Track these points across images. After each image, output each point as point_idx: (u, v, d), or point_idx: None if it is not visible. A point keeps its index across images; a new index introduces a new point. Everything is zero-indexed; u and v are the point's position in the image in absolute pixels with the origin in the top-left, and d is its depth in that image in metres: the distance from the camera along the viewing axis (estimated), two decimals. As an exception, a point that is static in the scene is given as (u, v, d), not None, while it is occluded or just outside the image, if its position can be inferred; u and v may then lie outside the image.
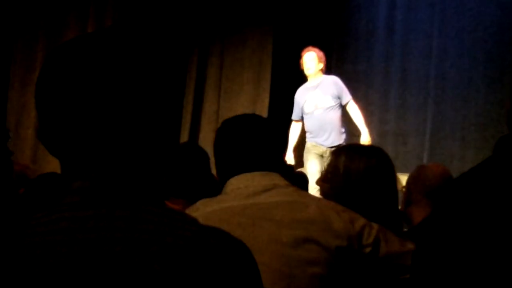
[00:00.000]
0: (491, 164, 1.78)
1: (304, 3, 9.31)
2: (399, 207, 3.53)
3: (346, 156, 2.95)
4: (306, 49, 7.73)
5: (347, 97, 7.62)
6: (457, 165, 8.64)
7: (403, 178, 3.80)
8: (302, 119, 7.75)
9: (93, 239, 1.12)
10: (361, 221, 2.30)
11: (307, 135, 7.69)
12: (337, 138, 7.53)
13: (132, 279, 1.10)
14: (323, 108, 7.54)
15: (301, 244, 2.18)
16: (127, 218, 1.15)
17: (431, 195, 3.40)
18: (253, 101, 9.23)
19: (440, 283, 1.71)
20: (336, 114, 7.55)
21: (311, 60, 7.63)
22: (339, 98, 7.57)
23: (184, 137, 9.21)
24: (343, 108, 7.66)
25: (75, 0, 9.12)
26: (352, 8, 9.63)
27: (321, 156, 7.47)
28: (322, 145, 7.51)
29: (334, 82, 7.64)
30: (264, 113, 9.06)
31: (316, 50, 7.71)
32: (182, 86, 9.15)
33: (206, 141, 8.85)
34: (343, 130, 7.65)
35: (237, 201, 2.27)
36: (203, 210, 2.27)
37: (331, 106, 7.53)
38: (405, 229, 3.25)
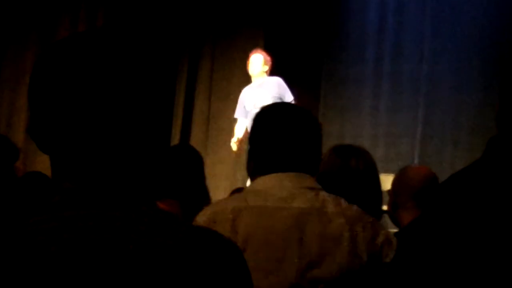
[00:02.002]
0: (482, 165, 1.78)
1: (296, 6, 9.30)
2: (386, 209, 3.53)
3: (326, 157, 2.94)
4: (254, 51, 8.07)
5: (289, 98, 7.80)
6: (448, 167, 8.64)
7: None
8: (244, 116, 7.94)
9: (83, 239, 1.12)
10: (382, 236, 2.25)
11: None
12: None
13: (122, 279, 1.10)
14: (260, 107, 7.63)
15: (323, 260, 2.16)
16: (118, 219, 1.15)
17: (416, 197, 3.39)
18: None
19: (430, 285, 1.70)
20: None
21: (257, 62, 7.93)
22: (280, 98, 7.75)
23: (176, 138, 9.20)
24: None
25: (67, 3, 9.11)
26: (344, 11, 9.62)
27: None
28: None
29: (277, 83, 7.87)
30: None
31: (264, 53, 8.05)
32: (172, 86, 9.14)
33: (197, 142, 8.85)
34: None
35: (270, 202, 2.23)
36: (234, 204, 2.24)
37: None
38: (395, 231, 3.25)
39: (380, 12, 9.58)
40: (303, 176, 2.30)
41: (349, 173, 2.94)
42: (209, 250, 1.16)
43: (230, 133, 8.14)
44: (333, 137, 8.29)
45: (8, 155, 2.93)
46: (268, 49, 9.17)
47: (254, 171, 2.38)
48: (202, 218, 2.22)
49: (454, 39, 9.25)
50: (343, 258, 2.17)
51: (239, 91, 8.25)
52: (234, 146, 7.89)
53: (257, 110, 7.63)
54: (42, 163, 7.75)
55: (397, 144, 9.33)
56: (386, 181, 3.62)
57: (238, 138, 7.87)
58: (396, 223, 3.51)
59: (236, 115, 8.04)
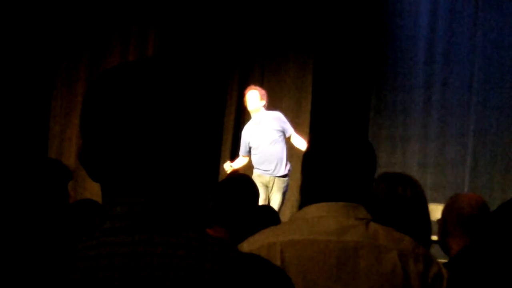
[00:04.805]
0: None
1: (346, 35, 9.30)
2: (436, 238, 3.49)
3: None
4: (249, 88, 8.25)
5: (290, 130, 8.10)
6: (498, 195, 8.55)
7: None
8: (248, 154, 8.15)
9: (133, 264, 1.13)
10: (434, 269, 2.20)
11: (254, 166, 8.11)
12: (282, 168, 7.99)
13: None
14: (267, 142, 7.99)
15: None
16: (167, 244, 1.15)
17: (466, 225, 3.35)
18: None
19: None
20: (280, 146, 8.01)
21: (253, 98, 8.09)
22: (282, 131, 8.03)
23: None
24: (287, 140, 8.09)
25: (118, 26, 9.19)
26: (393, 40, 9.62)
27: (266, 186, 7.93)
28: (265, 174, 7.96)
29: (277, 118, 8.13)
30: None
31: (258, 88, 8.23)
32: (220, 114, 9.18)
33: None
34: (287, 161, 8.05)
35: (320, 235, 2.17)
36: (283, 238, 2.18)
37: (275, 140, 8.00)
38: (445, 260, 3.21)
39: (430, 40, 9.56)
40: (354, 206, 2.22)
41: (395, 200, 2.89)
42: (260, 277, 1.16)
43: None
44: (382, 165, 8.24)
45: (61, 177, 2.99)
46: (317, 76, 9.20)
47: (305, 198, 2.33)
48: (250, 247, 2.19)
49: (504, 67, 9.19)
50: None
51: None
52: (228, 167, 8.02)
53: (264, 145, 7.81)
54: (92, 190, 7.83)
55: (446, 173, 9.26)
56: (435, 211, 3.59)
57: (231, 166, 8.01)
58: (445, 251, 3.47)
59: (241, 153, 8.22)
